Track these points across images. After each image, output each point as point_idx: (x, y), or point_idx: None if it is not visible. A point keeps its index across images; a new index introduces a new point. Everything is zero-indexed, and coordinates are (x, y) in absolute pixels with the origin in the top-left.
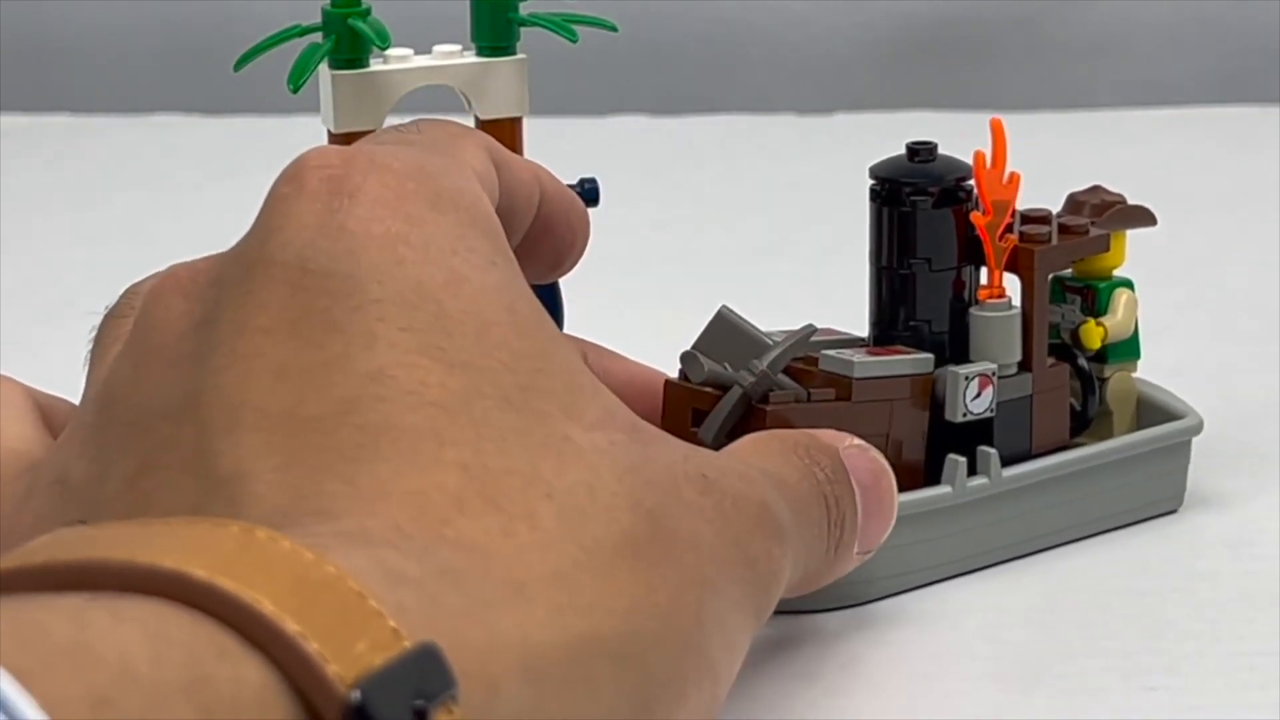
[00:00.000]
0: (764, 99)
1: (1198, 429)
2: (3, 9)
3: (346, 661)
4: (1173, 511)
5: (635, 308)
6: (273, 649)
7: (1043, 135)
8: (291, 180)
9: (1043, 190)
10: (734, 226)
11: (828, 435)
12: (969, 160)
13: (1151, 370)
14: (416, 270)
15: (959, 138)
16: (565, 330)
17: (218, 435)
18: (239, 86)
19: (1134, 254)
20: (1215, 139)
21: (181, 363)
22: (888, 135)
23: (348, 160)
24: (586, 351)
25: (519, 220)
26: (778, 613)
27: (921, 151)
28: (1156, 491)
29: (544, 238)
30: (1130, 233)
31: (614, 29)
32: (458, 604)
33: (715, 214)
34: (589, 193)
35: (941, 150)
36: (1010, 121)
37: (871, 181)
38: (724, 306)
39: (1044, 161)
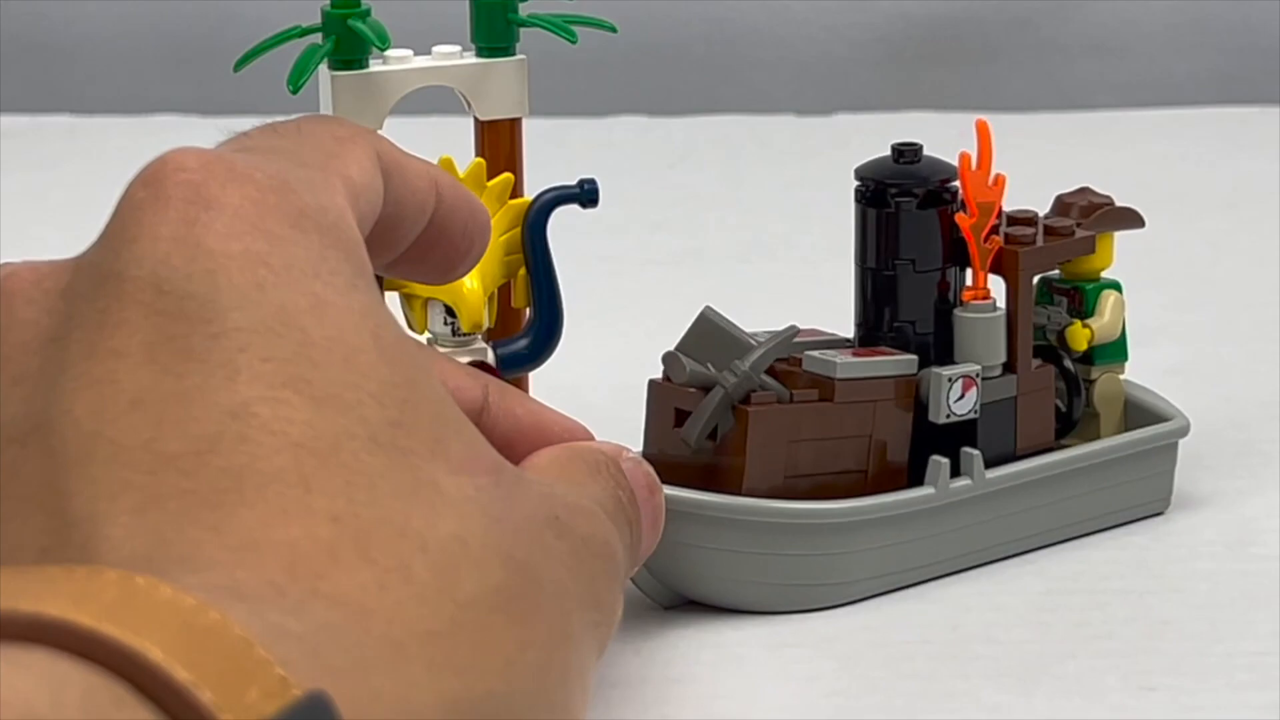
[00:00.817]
0: (764, 99)
1: (1184, 431)
2: (3, 9)
3: (239, 710)
4: (1160, 513)
5: (634, 307)
6: (164, 698)
7: (1042, 135)
8: (147, 185)
9: (1043, 191)
10: (733, 226)
11: (610, 448)
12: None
13: (1150, 370)
14: (278, 294)
15: (958, 138)
16: (564, 332)
17: (70, 469)
18: (239, 87)
19: (1133, 254)
20: (1215, 139)
21: (27, 379)
22: (888, 135)
23: (206, 166)
24: (491, 391)
25: (408, 227)
26: (771, 614)
27: (907, 153)
28: (1143, 494)
29: (437, 243)
30: (1128, 233)
31: (613, 30)
32: (340, 661)
33: (714, 214)
34: (588, 193)
35: (942, 151)
36: (1010, 122)
37: (856, 182)
38: (707, 307)
39: (1043, 162)
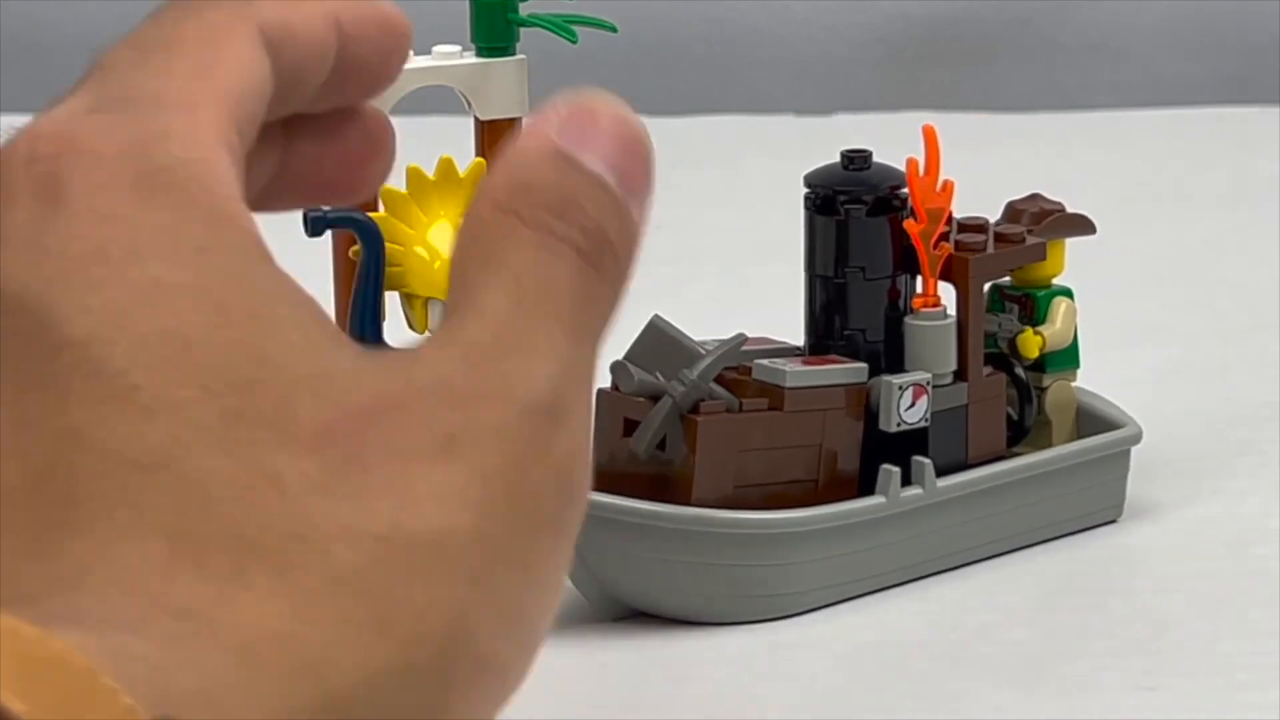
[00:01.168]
0: (764, 99)
1: (1136, 439)
2: (3, 9)
3: None
4: (1112, 521)
5: (634, 307)
6: None
7: (1042, 135)
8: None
9: (1043, 191)
10: (733, 227)
11: (534, 137)
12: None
13: (1150, 370)
14: (114, 294)
15: (958, 138)
16: None
17: None
18: None
19: (1134, 254)
20: (1215, 139)
21: None
22: (888, 135)
23: (60, 154)
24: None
25: (308, 82)
26: (755, 623)
27: (856, 159)
28: (1095, 501)
29: (351, 75)
30: (1128, 233)
31: (614, 30)
32: (188, 681)
33: (714, 214)
34: None
35: (942, 150)
36: (1010, 121)
37: (805, 189)
38: (656, 316)
39: (1042, 162)
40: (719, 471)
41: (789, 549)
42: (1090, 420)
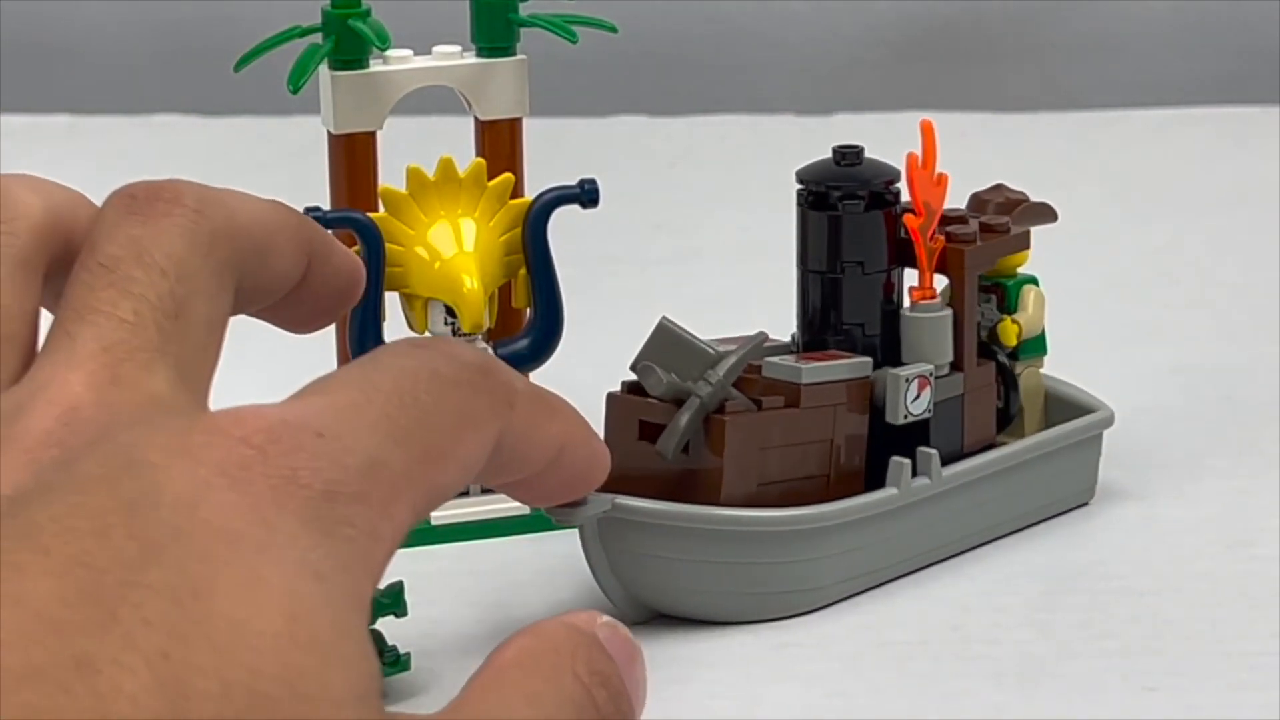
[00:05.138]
0: (764, 99)
1: (1109, 421)
2: (3, 9)
3: None
4: (1085, 504)
5: (635, 307)
6: None
7: (1042, 135)
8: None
9: (1043, 192)
10: (732, 227)
11: (583, 620)
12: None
13: (1150, 370)
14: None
15: (959, 138)
16: (564, 332)
17: None
18: (239, 86)
19: (1134, 254)
20: (1215, 139)
21: None
22: (888, 135)
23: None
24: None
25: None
26: (759, 623)
27: (848, 155)
28: (1071, 486)
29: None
30: (1130, 234)
31: (614, 30)
32: None
33: (714, 214)
34: (589, 193)
35: (942, 149)
36: (1010, 121)
37: (798, 186)
38: (664, 318)
39: (1044, 161)
40: (745, 470)
41: (814, 544)
42: (1060, 406)
